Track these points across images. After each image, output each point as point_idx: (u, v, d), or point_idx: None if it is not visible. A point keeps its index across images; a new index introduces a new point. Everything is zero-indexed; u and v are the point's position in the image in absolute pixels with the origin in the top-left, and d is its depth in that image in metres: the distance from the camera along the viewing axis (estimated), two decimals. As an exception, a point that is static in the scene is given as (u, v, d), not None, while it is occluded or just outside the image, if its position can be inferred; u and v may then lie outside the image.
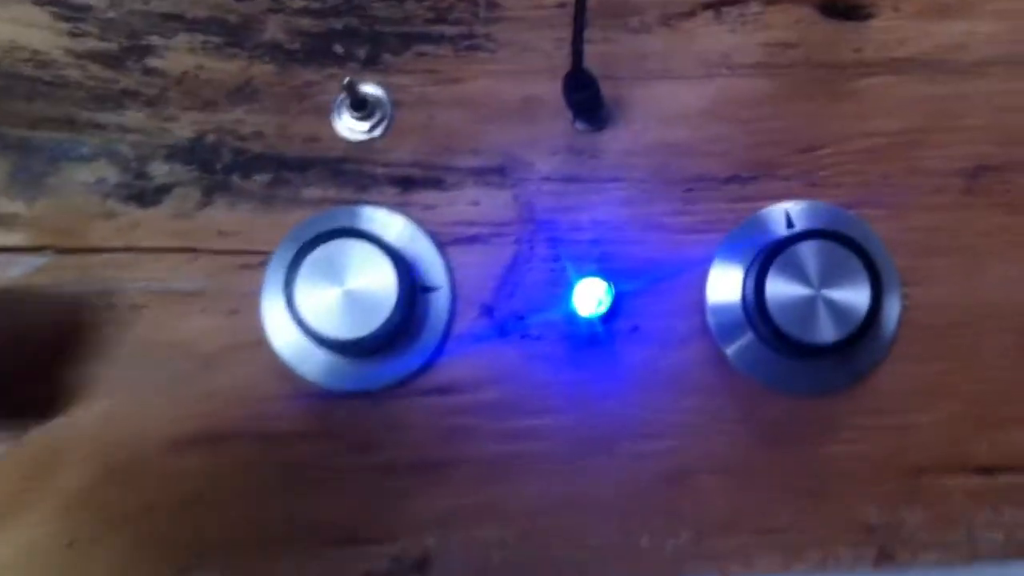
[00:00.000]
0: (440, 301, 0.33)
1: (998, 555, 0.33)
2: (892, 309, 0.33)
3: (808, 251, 0.31)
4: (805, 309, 0.30)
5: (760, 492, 0.33)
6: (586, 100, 0.32)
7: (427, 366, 0.33)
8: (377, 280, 0.31)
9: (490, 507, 0.33)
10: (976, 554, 0.33)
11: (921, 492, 0.33)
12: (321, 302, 0.31)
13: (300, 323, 0.30)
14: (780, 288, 0.30)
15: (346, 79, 0.32)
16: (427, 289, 0.33)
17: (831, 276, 0.30)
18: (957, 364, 0.33)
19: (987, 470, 0.33)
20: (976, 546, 0.33)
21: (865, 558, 0.33)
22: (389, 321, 0.31)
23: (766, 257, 0.31)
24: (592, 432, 0.33)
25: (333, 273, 0.31)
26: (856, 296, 0.30)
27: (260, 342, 0.33)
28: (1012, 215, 0.34)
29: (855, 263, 0.30)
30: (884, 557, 0.33)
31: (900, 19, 0.34)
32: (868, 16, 0.35)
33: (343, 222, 0.32)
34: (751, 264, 0.32)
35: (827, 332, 0.30)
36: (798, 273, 0.30)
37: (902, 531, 0.33)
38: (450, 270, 0.33)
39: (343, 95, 0.33)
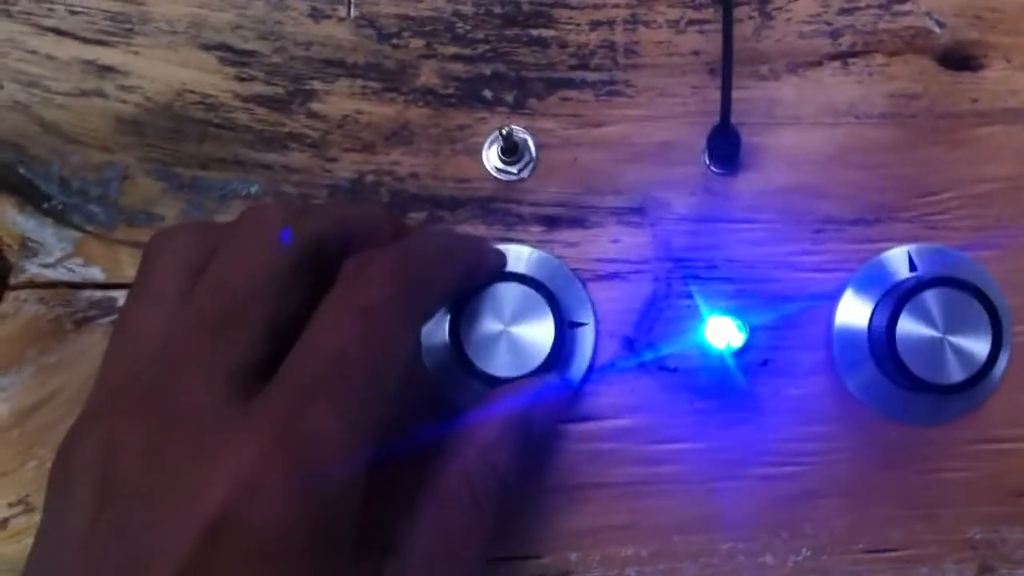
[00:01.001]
0: (585, 335, 0.35)
1: (1088, 569, 0.36)
2: (1006, 342, 0.35)
3: (936, 297, 0.33)
4: (931, 351, 0.33)
5: (875, 513, 0.36)
6: (728, 151, 0.34)
7: (574, 395, 0.35)
8: (535, 322, 0.33)
9: (628, 526, 0.35)
10: (1068, 570, 0.36)
11: (1022, 513, 0.36)
12: (483, 341, 0.33)
13: (464, 361, 0.33)
14: (909, 330, 0.33)
15: (505, 128, 0.34)
16: (575, 324, 0.35)
17: (956, 321, 0.33)
18: (1060, 396, 0.36)
19: (1084, 493, 0.36)
20: (1069, 562, 0.36)
21: (968, 573, 0.36)
22: (546, 362, 0.33)
23: (897, 301, 0.33)
24: (724, 457, 0.36)
25: (495, 313, 0.33)
26: (978, 340, 0.33)
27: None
28: (1116, 256, 0.36)
29: (979, 312, 0.33)
30: (985, 571, 0.36)
31: (1011, 70, 0.37)
32: (981, 67, 0.37)
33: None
34: (878, 304, 0.35)
35: (952, 373, 0.33)
36: (926, 317, 0.33)
37: (1003, 548, 0.36)
38: (593, 305, 0.35)
39: (494, 138, 0.35)
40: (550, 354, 0.33)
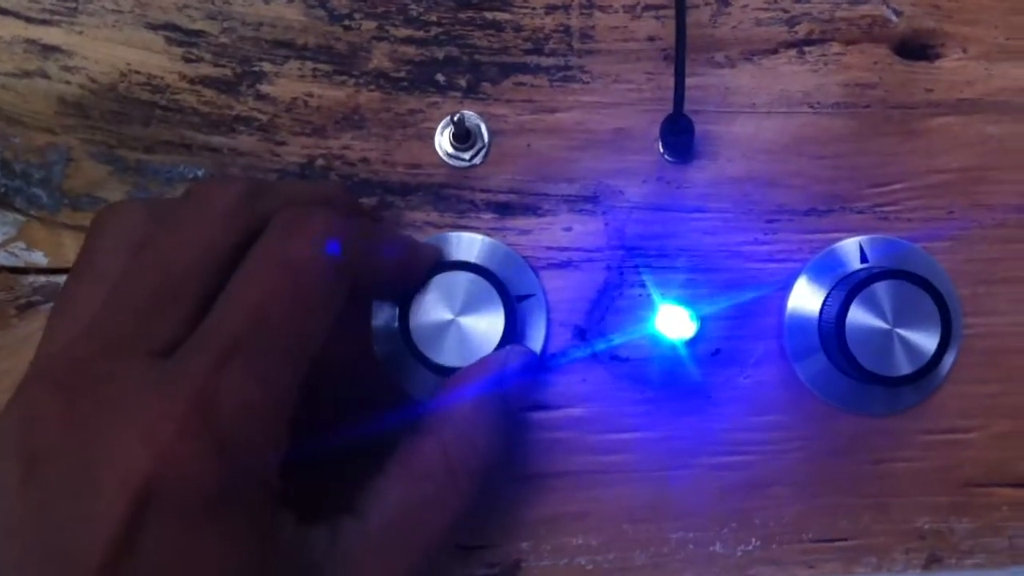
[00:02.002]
0: (536, 322, 0.35)
1: (1035, 559, 0.37)
2: (955, 337, 0.35)
3: (886, 289, 0.33)
4: (880, 343, 0.33)
5: (825, 503, 0.36)
6: (681, 141, 0.34)
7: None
8: (485, 311, 0.33)
9: (580, 515, 0.35)
10: (1015, 559, 0.37)
11: (970, 503, 0.36)
12: (433, 330, 0.33)
13: (414, 350, 0.33)
14: (859, 322, 0.33)
15: (456, 115, 0.34)
16: (522, 298, 0.35)
17: (905, 314, 0.33)
18: (1010, 387, 0.36)
19: (1031, 484, 0.36)
20: (1016, 552, 0.36)
21: (916, 562, 0.36)
22: (496, 349, 0.33)
23: (847, 292, 0.33)
24: (675, 446, 0.36)
25: (445, 303, 0.33)
26: (927, 336, 0.33)
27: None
28: (1067, 249, 0.36)
29: (929, 306, 0.33)
30: (933, 561, 0.36)
31: (967, 60, 0.36)
32: (937, 56, 0.36)
33: (448, 249, 0.34)
34: (829, 295, 0.35)
35: (899, 365, 0.33)
36: (876, 309, 0.33)
37: (951, 538, 0.36)
38: (544, 293, 0.35)
39: (446, 123, 0.35)
40: (500, 342, 0.33)
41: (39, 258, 0.34)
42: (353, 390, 0.35)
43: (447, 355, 0.33)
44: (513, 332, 0.34)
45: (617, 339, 0.35)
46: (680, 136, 0.34)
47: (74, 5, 0.34)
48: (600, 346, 0.35)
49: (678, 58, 0.32)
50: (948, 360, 0.35)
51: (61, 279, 0.34)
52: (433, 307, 0.33)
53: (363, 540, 0.28)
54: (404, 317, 0.33)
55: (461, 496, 0.30)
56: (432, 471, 0.30)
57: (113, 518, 0.23)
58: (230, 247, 0.27)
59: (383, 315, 0.34)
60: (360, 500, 0.29)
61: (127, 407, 0.24)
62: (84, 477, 0.23)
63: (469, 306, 0.33)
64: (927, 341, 0.33)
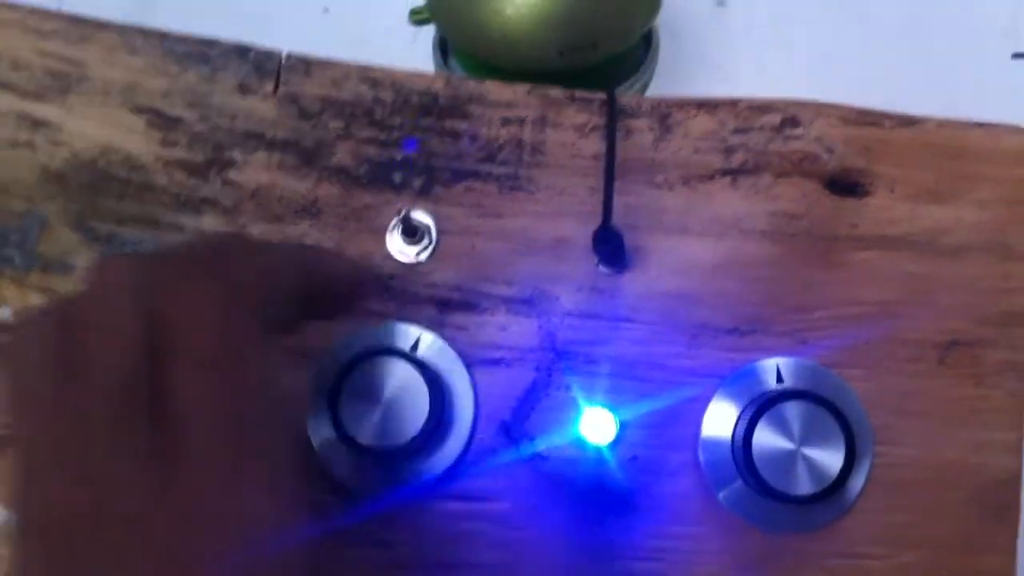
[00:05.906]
0: (464, 416, 0.37)
1: None
2: (864, 464, 0.37)
3: (795, 410, 0.35)
4: (785, 461, 0.35)
5: (730, 614, 0.37)
6: (612, 251, 0.36)
7: (447, 474, 0.37)
8: (412, 398, 0.35)
9: (491, 605, 0.37)
10: None
11: (872, 629, 0.37)
12: (361, 412, 0.35)
13: (340, 430, 0.34)
14: (765, 440, 0.35)
15: (403, 211, 0.36)
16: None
17: (812, 435, 0.35)
18: (917, 517, 0.37)
19: (934, 614, 0.37)
20: None
21: None
22: (420, 433, 0.35)
23: (756, 411, 0.35)
24: (588, 547, 0.37)
25: (374, 387, 0.35)
26: (832, 457, 0.35)
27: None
28: (978, 387, 0.38)
29: (835, 428, 0.35)
30: None
31: (894, 200, 0.39)
32: (866, 194, 0.39)
33: (387, 339, 0.37)
34: (742, 412, 0.36)
35: (803, 485, 0.35)
36: (784, 428, 0.35)
37: (853, 661, 0.37)
38: (475, 388, 0.37)
39: (397, 221, 0.37)
40: (423, 429, 0.35)
41: (4, 314, 0.36)
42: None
43: (372, 436, 0.35)
44: (439, 421, 0.35)
45: (540, 438, 0.37)
46: (609, 245, 0.36)
47: (67, 84, 0.37)
48: (523, 444, 0.37)
49: (607, 172, 0.35)
50: (855, 484, 0.37)
51: (24, 334, 0.36)
52: (364, 393, 0.35)
53: None
54: (334, 401, 0.35)
55: None
56: None
57: None
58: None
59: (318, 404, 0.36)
60: None
61: (137, 524, 0.25)
62: None
63: (399, 393, 0.35)
64: (832, 462, 0.35)
